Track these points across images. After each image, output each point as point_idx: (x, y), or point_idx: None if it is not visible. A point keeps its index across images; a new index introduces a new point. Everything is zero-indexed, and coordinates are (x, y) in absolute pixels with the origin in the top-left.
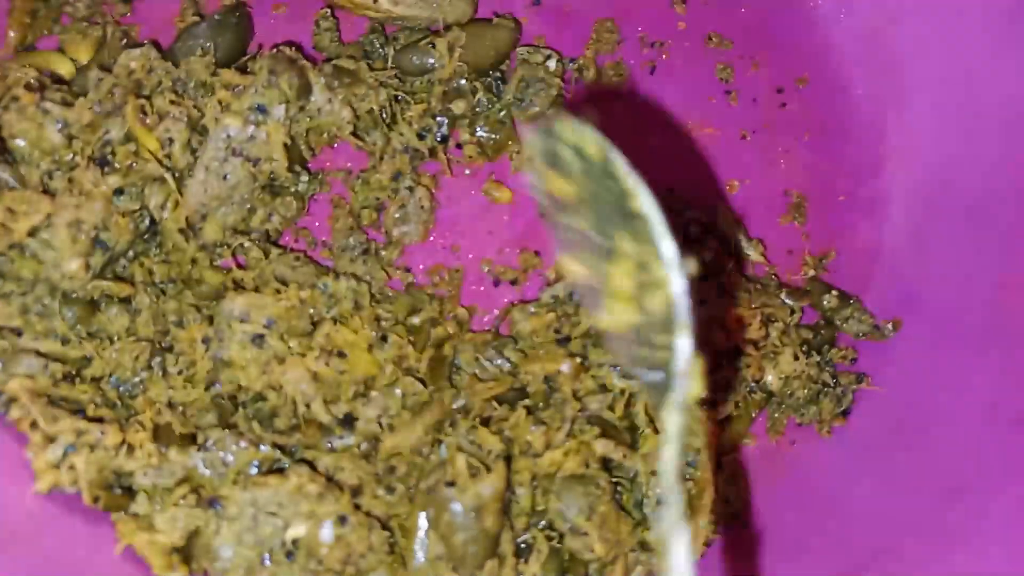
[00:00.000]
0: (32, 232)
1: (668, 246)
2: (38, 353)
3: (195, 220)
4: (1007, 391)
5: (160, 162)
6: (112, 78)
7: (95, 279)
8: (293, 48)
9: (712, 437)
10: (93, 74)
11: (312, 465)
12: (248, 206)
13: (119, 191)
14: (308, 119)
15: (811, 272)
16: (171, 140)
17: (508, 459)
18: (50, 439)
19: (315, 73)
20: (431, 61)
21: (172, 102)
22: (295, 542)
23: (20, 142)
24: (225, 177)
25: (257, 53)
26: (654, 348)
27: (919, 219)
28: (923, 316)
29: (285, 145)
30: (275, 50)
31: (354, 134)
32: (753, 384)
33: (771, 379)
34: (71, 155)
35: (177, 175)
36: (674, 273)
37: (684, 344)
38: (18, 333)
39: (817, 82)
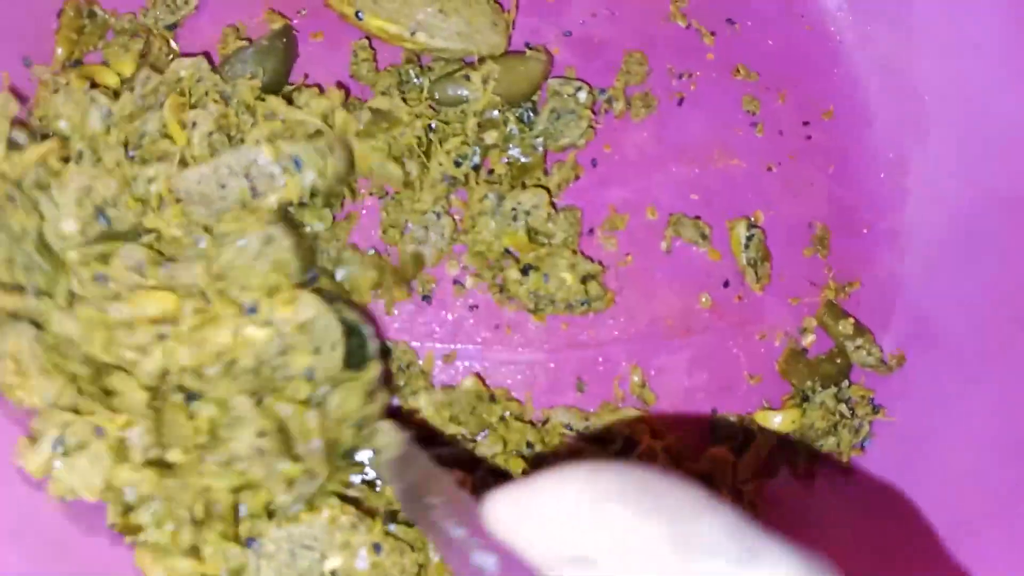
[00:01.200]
0: (42, 186)
1: None
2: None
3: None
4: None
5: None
6: (159, 78)
7: (84, 247)
8: (338, 86)
9: (731, 467)
10: (143, 73)
11: (342, 496)
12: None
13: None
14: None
15: (831, 296)
16: (195, 124)
17: None
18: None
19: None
20: (465, 92)
21: (213, 100)
22: (333, 573)
23: (63, 124)
24: (223, 186)
25: (302, 82)
26: None
27: (940, 252)
28: (942, 348)
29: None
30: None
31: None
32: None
33: (779, 420)
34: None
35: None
36: None
37: None
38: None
39: (841, 115)
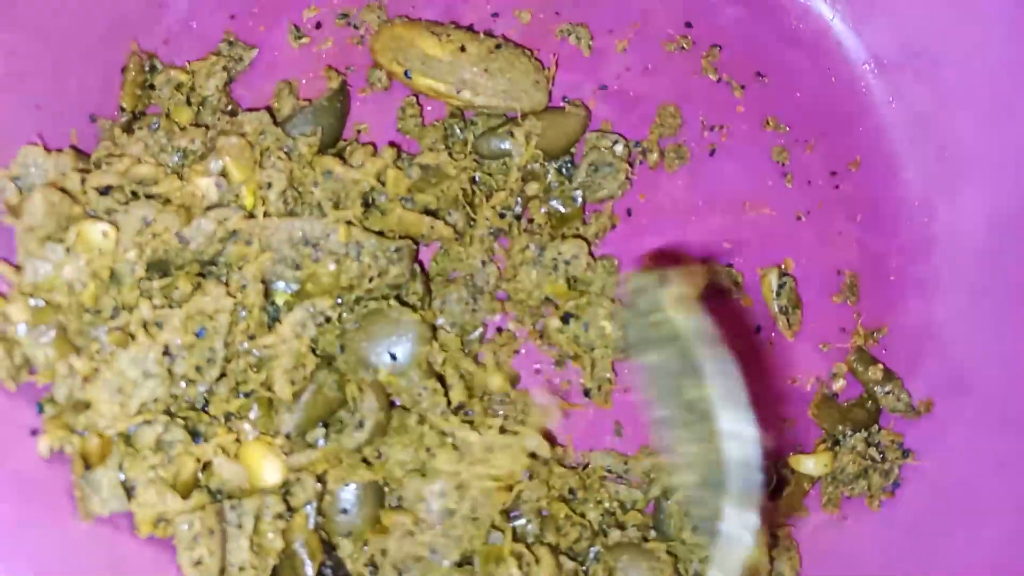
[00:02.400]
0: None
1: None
2: None
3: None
4: None
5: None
6: (227, 123)
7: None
8: (390, 144)
9: (767, 512)
10: (213, 117)
11: None
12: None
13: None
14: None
15: (860, 342)
16: (270, 184)
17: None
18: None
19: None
20: (508, 146)
21: (278, 158)
22: None
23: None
24: (294, 247)
25: (355, 139)
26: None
27: (968, 299)
28: (971, 396)
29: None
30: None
31: (433, 214)
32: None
33: (812, 464)
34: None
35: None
36: (733, 445)
37: (732, 513)
38: None
39: (869, 165)
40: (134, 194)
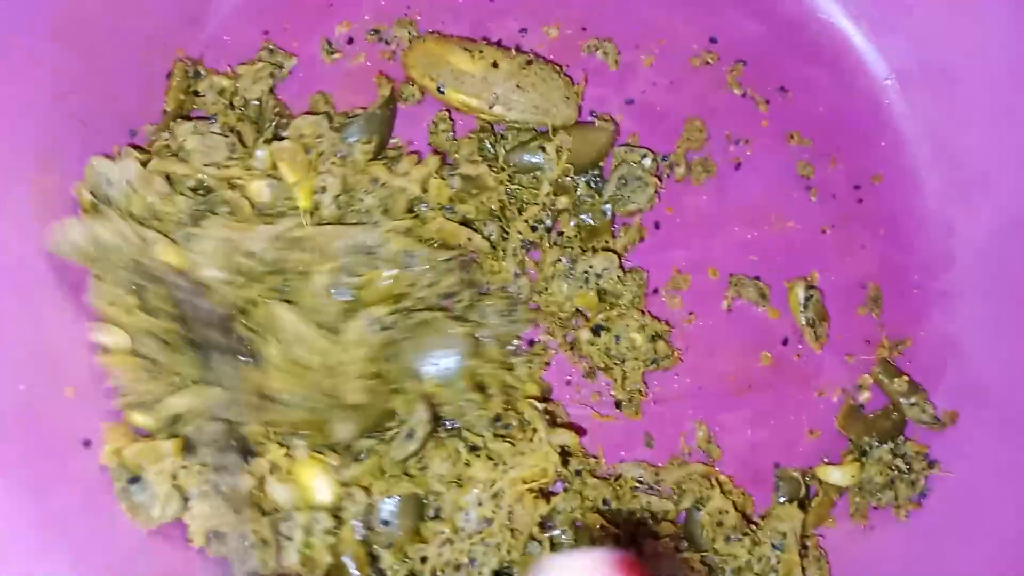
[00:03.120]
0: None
1: None
2: None
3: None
4: None
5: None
6: (284, 123)
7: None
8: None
9: (800, 523)
10: (261, 121)
11: None
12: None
13: None
14: None
15: (885, 354)
16: (324, 188)
17: None
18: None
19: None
20: (540, 160)
21: (333, 163)
22: None
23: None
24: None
25: (404, 148)
26: None
27: (990, 310)
28: (994, 406)
29: None
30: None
31: (469, 225)
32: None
33: (838, 475)
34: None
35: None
36: None
37: None
38: None
39: (891, 178)
40: (203, 190)
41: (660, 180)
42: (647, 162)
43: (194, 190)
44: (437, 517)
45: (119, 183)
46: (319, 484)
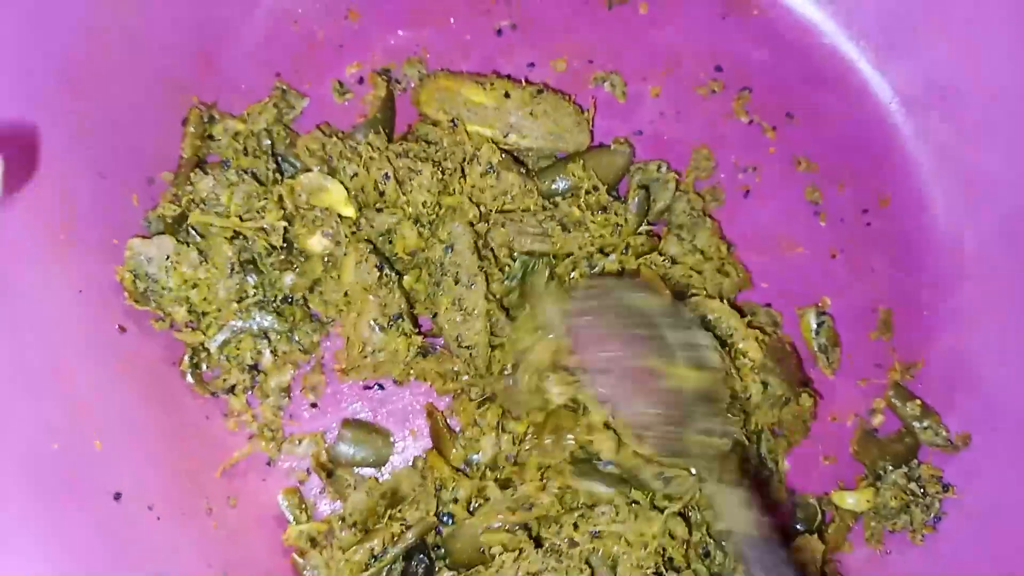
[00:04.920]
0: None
1: None
2: None
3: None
4: None
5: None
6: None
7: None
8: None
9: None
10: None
11: None
12: None
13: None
14: None
15: (897, 378)
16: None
17: None
18: None
19: None
20: (567, 184)
21: (346, 157)
22: None
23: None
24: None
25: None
26: None
27: (1000, 332)
28: (1007, 428)
29: None
30: None
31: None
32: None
33: (854, 500)
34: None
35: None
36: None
37: None
38: None
39: (899, 201)
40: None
41: (680, 176)
42: (663, 168)
43: (231, 239)
44: None
45: (158, 260)
46: None
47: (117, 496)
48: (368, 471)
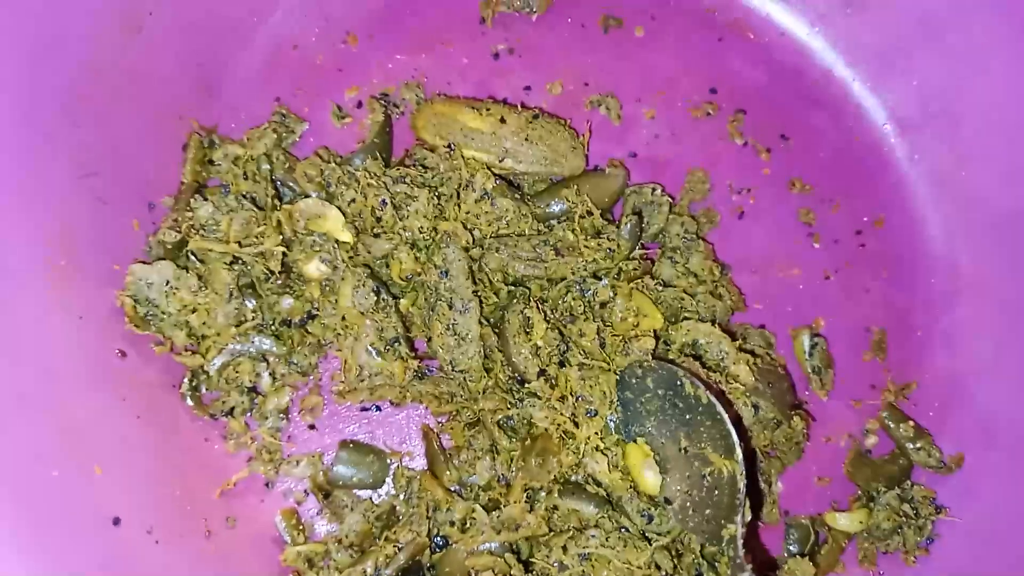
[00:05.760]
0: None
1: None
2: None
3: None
4: None
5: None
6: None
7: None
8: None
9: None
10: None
11: None
12: None
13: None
14: None
15: (891, 399)
16: (349, 217)
17: None
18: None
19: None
20: (563, 206)
21: (344, 183)
22: None
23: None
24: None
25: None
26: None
27: (994, 352)
28: (1000, 448)
29: None
30: None
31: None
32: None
33: (847, 521)
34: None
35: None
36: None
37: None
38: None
39: (893, 222)
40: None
41: (674, 199)
42: (657, 191)
43: (230, 264)
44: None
45: (158, 285)
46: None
47: (116, 521)
48: (366, 492)
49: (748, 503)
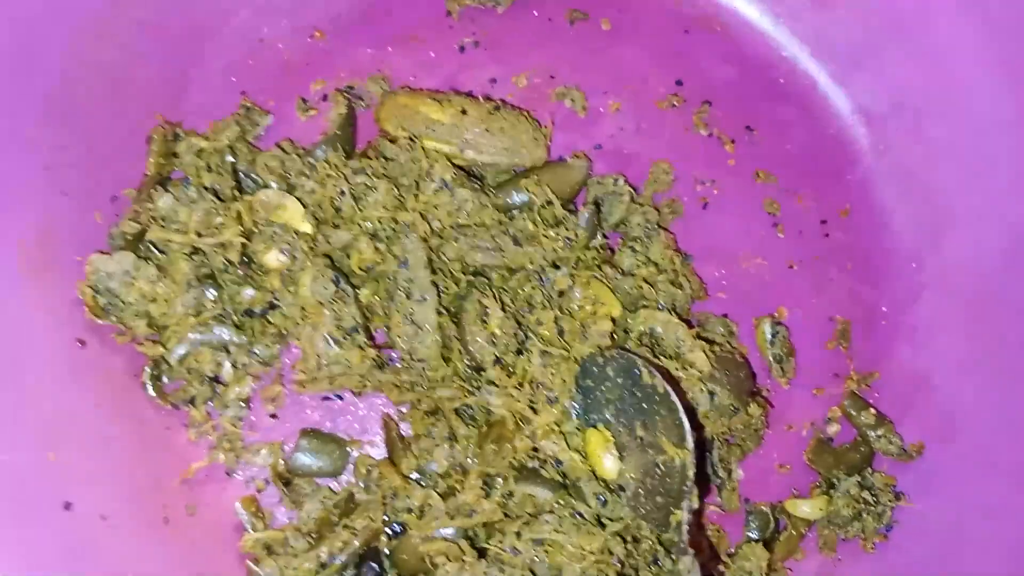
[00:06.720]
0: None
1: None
2: None
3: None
4: None
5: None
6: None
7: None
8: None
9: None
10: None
11: None
12: None
13: None
14: None
15: (853, 387)
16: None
17: None
18: None
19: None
20: (525, 197)
21: (304, 174)
22: None
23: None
24: None
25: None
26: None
27: (957, 345)
28: (961, 439)
29: None
30: None
31: None
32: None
33: (807, 508)
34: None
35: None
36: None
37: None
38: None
39: (858, 214)
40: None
41: (636, 189)
42: (619, 182)
43: (190, 254)
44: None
45: (118, 276)
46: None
47: (67, 506)
48: (327, 481)
49: (697, 491)
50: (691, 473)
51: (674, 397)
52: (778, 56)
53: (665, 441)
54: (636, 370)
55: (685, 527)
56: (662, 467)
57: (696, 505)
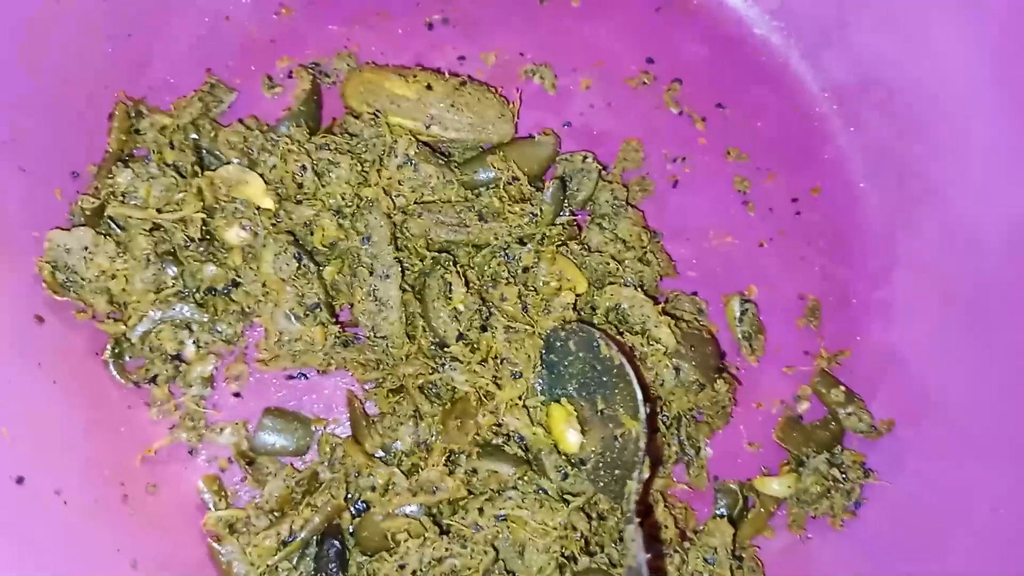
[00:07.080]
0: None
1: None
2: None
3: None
4: (1013, 497)
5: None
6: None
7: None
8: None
9: (732, 536)
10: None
11: None
12: None
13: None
14: None
15: (824, 365)
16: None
17: None
18: None
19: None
20: (492, 174)
21: (266, 150)
22: None
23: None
24: None
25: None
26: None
27: (928, 323)
28: (932, 417)
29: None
30: None
31: None
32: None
33: (776, 486)
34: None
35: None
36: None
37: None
38: None
39: (830, 192)
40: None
41: (606, 167)
42: (588, 159)
43: (150, 231)
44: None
45: (77, 252)
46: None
47: (20, 480)
48: (290, 459)
49: (648, 460)
50: (642, 443)
51: (628, 368)
52: (749, 33)
53: (622, 413)
54: (595, 343)
55: (634, 496)
56: (620, 440)
57: (647, 475)
